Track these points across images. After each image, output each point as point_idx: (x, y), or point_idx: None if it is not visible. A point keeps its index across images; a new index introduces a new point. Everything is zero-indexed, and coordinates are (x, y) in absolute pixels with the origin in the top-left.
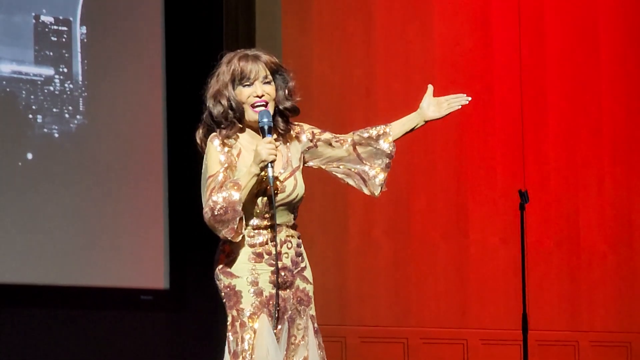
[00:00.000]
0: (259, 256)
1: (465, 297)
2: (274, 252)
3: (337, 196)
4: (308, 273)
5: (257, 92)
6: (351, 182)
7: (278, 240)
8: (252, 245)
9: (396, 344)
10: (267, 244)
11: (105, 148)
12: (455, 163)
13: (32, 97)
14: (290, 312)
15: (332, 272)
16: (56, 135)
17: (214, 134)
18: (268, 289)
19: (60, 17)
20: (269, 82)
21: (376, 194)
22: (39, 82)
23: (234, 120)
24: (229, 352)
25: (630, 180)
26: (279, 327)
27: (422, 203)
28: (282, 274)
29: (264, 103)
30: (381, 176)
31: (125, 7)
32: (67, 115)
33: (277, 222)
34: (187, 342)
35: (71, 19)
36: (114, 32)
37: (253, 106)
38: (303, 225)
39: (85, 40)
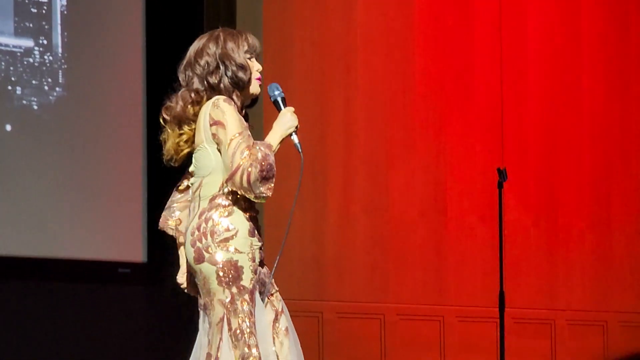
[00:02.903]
0: (253, 230)
1: (442, 274)
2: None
3: (315, 172)
4: None
5: (260, 68)
6: None
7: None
8: (248, 219)
9: (373, 319)
10: (256, 217)
11: (84, 120)
12: (434, 140)
13: (11, 68)
14: (267, 285)
15: (309, 248)
16: (35, 107)
17: (223, 97)
18: (258, 266)
19: None
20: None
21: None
22: (19, 54)
23: (237, 89)
24: (229, 329)
25: (609, 159)
26: (266, 302)
27: (400, 180)
28: (262, 249)
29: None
30: None
31: None
32: (46, 88)
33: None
34: (164, 315)
35: None
36: (94, 5)
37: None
38: (281, 201)
39: (65, 12)
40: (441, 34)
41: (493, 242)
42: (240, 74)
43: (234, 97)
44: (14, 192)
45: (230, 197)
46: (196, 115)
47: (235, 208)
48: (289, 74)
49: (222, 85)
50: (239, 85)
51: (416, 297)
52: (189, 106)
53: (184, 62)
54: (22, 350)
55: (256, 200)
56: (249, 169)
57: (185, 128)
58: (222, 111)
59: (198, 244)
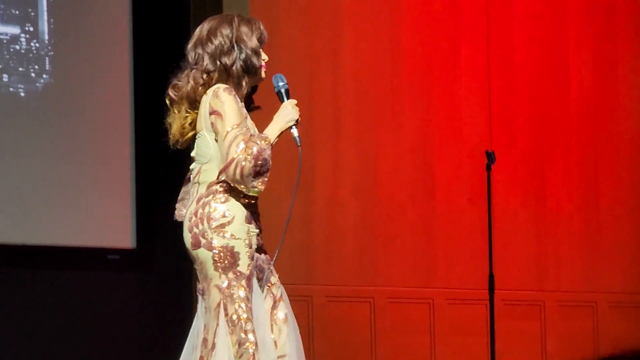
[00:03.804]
0: (250, 217)
1: (431, 257)
2: (257, 213)
3: (303, 156)
4: None
5: (267, 59)
6: None
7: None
8: (245, 206)
9: (363, 303)
10: (254, 204)
11: (71, 107)
12: (422, 123)
13: None
14: (266, 272)
15: (299, 232)
16: (22, 94)
17: (225, 86)
18: (255, 252)
19: None
20: None
21: None
22: (5, 41)
23: (248, 74)
24: (226, 315)
25: (597, 140)
26: (265, 290)
27: (388, 163)
28: (260, 236)
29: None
30: None
31: None
32: (33, 75)
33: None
34: (154, 301)
35: None
36: None
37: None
38: (270, 186)
39: None
40: (428, 17)
41: (482, 225)
42: (254, 60)
43: (243, 82)
44: (1, 180)
45: (227, 184)
46: None
47: (232, 195)
48: (275, 58)
49: (234, 68)
50: (250, 71)
51: (406, 280)
52: (200, 88)
53: (194, 39)
54: (11, 337)
55: (248, 193)
56: (243, 163)
57: (192, 110)
58: (221, 101)
59: (195, 229)
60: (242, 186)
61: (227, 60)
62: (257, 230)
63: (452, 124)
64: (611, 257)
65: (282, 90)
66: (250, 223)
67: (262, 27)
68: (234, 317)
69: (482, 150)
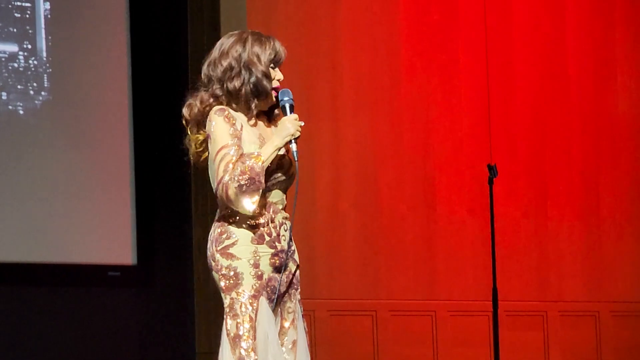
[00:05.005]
0: (260, 238)
1: (433, 269)
2: (274, 234)
3: (303, 170)
4: (297, 256)
5: (282, 78)
6: None
7: (277, 223)
8: (253, 227)
9: (365, 316)
10: (267, 225)
11: (70, 124)
12: (422, 135)
13: None
14: (276, 293)
15: (300, 246)
16: (21, 112)
17: (219, 107)
18: (268, 272)
19: None
20: None
21: None
22: (3, 59)
23: (257, 97)
24: (228, 335)
25: (598, 150)
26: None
27: (389, 176)
28: (283, 256)
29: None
30: None
31: None
32: (32, 92)
33: (273, 201)
34: (155, 317)
35: None
36: (78, 8)
37: (273, 89)
38: None
39: (49, 16)
40: (426, 28)
41: (483, 236)
42: (264, 83)
43: (252, 105)
44: (1, 197)
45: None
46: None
47: (238, 217)
48: None
49: (242, 92)
50: (260, 94)
51: (408, 293)
52: (207, 110)
53: (209, 59)
54: (12, 356)
55: (244, 213)
56: (229, 183)
57: (202, 131)
58: (211, 124)
59: (208, 252)
60: (233, 206)
61: (235, 84)
62: (271, 251)
63: (451, 134)
64: (613, 266)
65: (286, 106)
66: (259, 243)
67: (277, 46)
68: (234, 336)
69: (483, 160)
